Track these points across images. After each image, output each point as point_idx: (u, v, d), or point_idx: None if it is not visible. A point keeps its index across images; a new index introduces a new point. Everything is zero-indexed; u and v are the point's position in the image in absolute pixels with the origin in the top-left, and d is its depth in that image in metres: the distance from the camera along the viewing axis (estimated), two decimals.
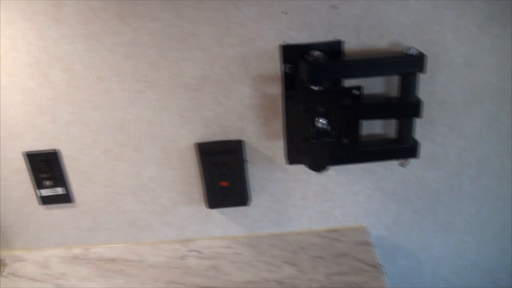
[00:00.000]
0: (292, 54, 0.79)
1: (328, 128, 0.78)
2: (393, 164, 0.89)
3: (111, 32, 0.79)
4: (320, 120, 0.78)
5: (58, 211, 0.96)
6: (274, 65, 0.81)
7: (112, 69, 0.82)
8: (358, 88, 0.76)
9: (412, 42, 0.78)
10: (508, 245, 0.99)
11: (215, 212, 0.95)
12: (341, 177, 0.91)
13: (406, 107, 0.80)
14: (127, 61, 0.81)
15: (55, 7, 0.78)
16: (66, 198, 0.94)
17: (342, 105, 0.77)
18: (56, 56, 0.82)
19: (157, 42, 0.80)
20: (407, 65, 0.77)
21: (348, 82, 0.80)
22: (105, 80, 0.83)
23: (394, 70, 0.78)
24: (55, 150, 0.90)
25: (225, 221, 0.96)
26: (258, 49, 0.80)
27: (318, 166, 0.82)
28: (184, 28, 0.78)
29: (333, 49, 0.78)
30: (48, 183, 0.92)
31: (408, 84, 0.79)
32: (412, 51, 0.76)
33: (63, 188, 0.93)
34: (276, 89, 0.83)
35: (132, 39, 0.80)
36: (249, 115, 0.85)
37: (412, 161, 0.88)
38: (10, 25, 0.79)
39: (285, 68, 0.80)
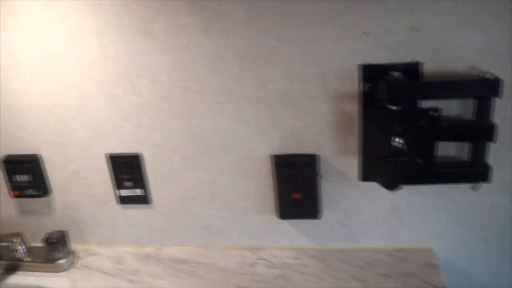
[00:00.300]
0: (371, 73, 0.80)
1: (404, 147, 0.78)
2: (464, 187, 0.87)
3: (198, 46, 0.83)
4: (397, 139, 0.78)
5: (134, 211, 1.01)
6: (352, 84, 0.82)
7: (196, 81, 0.86)
8: (436, 109, 0.76)
9: (489, 67, 0.77)
10: None
11: (286, 223, 0.96)
12: (412, 197, 0.90)
13: (480, 131, 0.80)
14: (210, 74, 0.85)
15: (146, 23, 0.83)
16: (144, 200, 0.98)
17: (419, 126, 0.77)
18: (144, 66, 0.87)
19: (241, 57, 0.83)
20: (483, 89, 0.77)
21: (424, 103, 0.80)
22: (189, 91, 0.87)
23: (470, 94, 0.79)
24: (137, 153, 0.94)
25: (295, 233, 0.97)
26: (338, 67, 0.81)
27: (391, 184, 0.83)
28: (268, 45, 0.81)
29: (411, 70, 0.79)
30: (128, 184, 0.97)
31: (484, 108, 0.78)
32: (489, 76, 0.75)
33: (142, 190, 0.97)
34: (353, 107, 0.84)
35: (217, 53, 0.83)
36: (326, 130, 0.87)
37: (483, 186, 0.86)
38: (101, 36, 0.86)
39: (364, 87, 0.81)
